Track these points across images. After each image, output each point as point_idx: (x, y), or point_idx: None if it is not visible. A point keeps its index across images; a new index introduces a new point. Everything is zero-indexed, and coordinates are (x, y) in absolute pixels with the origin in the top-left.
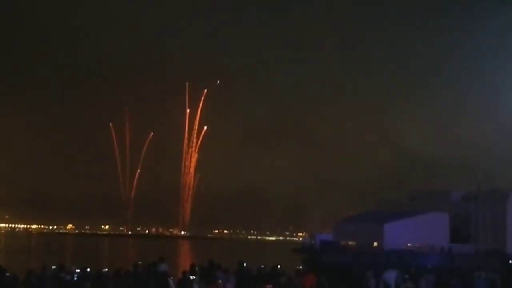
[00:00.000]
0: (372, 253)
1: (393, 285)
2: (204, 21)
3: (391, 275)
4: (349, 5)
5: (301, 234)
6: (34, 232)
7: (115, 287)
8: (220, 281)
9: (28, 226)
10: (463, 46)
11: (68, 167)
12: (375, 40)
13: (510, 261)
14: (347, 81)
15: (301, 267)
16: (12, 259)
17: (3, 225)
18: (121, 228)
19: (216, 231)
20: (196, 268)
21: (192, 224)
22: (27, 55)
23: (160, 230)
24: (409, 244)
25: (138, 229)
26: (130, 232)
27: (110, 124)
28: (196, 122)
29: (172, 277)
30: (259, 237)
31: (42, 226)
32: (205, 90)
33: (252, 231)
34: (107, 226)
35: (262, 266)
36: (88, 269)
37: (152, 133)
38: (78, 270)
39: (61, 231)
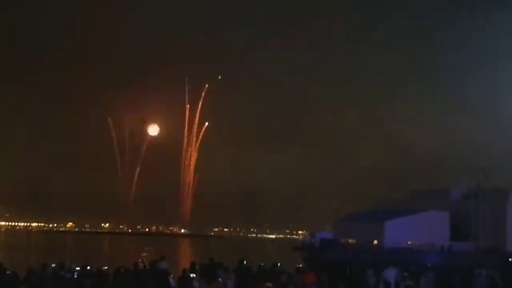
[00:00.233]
0: (372, 251)
1: (393, 283)
2: (204, 17)
3: (391, 273)
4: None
5: (301, 232)
6: (34, 230)
7: (115, 286)
8: (220, 279)
9: (28, 224)
10: (463, 45)
11: (68, 166)
12: (375, 40)
13: (510, 259)
14: (347, 81)
15: (301, 265)
16: (12, 257)
17: (3, 223)
18: (121, 226)
19: (216, 229)
20: (196, 266)
21: (192, 222)
22: (27, 55)
23: (160, 228)
24: (409, 242)
25: (138, 227)
26: (130, 230)
27: (109, 119)
28: (196, 120)
29: (172, 275)
30: (259, 235)
31: (42, 224)
32: (206, 85)
33: (252, 229)
34: (107, 224)
35: (262, 264)
36: (88, 267)
37: (152, 130)
38: (78, 268)
39: (61, 229)
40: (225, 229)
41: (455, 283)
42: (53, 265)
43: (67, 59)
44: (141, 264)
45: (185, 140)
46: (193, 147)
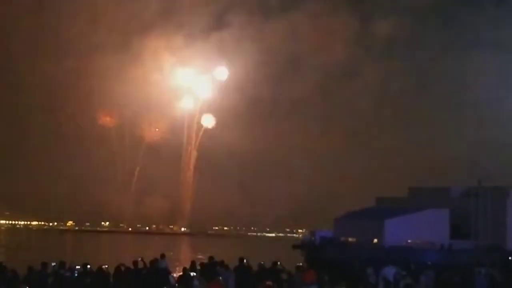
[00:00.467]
0: (372, 249)
1: (392, 281)
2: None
3: (390, 271)
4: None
5: (301, 230)
6: (34, 228)
7: (115, 284)
8: (220, 278)
9: (29, 222)
10: (463, 45)
11: (68, 165)
12: (375, 39)
13: (510, 257)
14: (347, 81)
15: (301, 264)
16: (13, 256)
17: (3, 221)
18: (121, 224)
19: (216, 228)
20: (197, 265)
21: (192, 220)
22: (28, 55)
23: (161, 226)
24: (409, 241)
25: (138, 225)
26: (130, 229)
27: (108, 118)
28: (196, 119)
29: (172, 274)
30: (259, 234)
31: (43, 222)
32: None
33: (252, 228)
34: (107, 223)
35: (262, 262)
36: (89, 266)
37: (151, 129)
38: (78, 267)
39: (61, 227)
40: (225, 228)
41: (455, 282)
42: (53, 263)
43: (65, 59)
44: (141, 262)
45: (185, 139)
46: (192, 146)
